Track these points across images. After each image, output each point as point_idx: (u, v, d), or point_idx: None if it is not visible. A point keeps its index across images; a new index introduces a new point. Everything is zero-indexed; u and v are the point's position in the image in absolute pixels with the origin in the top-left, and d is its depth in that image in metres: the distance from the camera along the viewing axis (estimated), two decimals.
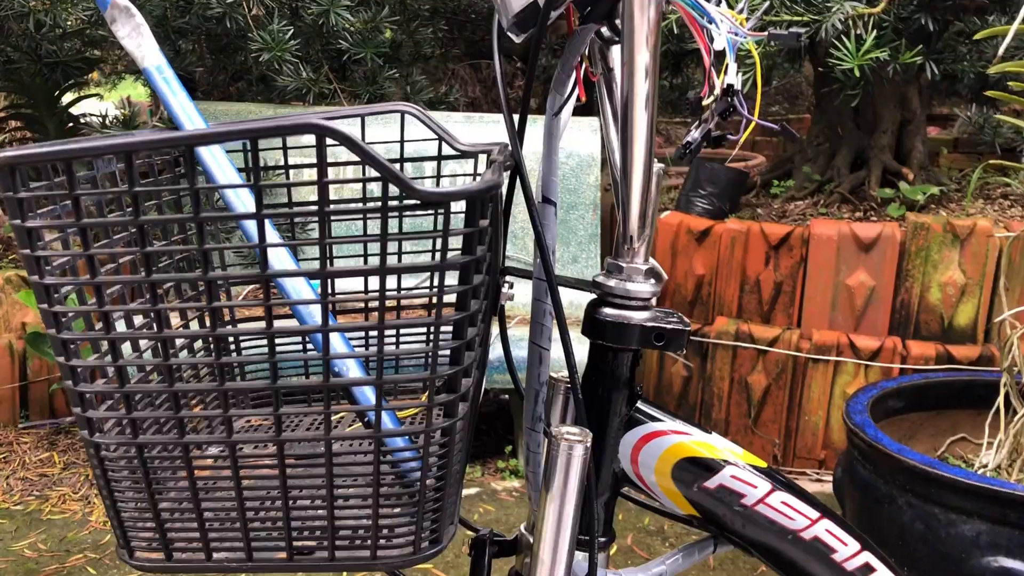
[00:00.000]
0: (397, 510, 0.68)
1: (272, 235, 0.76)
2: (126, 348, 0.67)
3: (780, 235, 2.44)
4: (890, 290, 2.38)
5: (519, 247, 2.85)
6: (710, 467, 0.76)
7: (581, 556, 0.77)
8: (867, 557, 0.78)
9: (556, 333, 0.71)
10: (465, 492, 2.45)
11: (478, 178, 0.70)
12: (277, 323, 0.56)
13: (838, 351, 2.36)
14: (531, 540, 0.80)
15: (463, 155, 0.86)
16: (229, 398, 0.59)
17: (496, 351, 2.62)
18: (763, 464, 0.78)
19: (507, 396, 3.13)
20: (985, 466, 1.71)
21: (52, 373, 2.81)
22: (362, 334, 0.87)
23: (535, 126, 0.93)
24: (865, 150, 2.84)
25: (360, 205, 0.89)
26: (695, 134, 0.64)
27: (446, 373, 0.60)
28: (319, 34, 2.84)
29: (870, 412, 1.71)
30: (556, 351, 0.71)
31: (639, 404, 0.77)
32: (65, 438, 2.73)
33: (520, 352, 2.41)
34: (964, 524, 1.43)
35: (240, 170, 0.77)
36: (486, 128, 2.91)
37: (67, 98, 3.52)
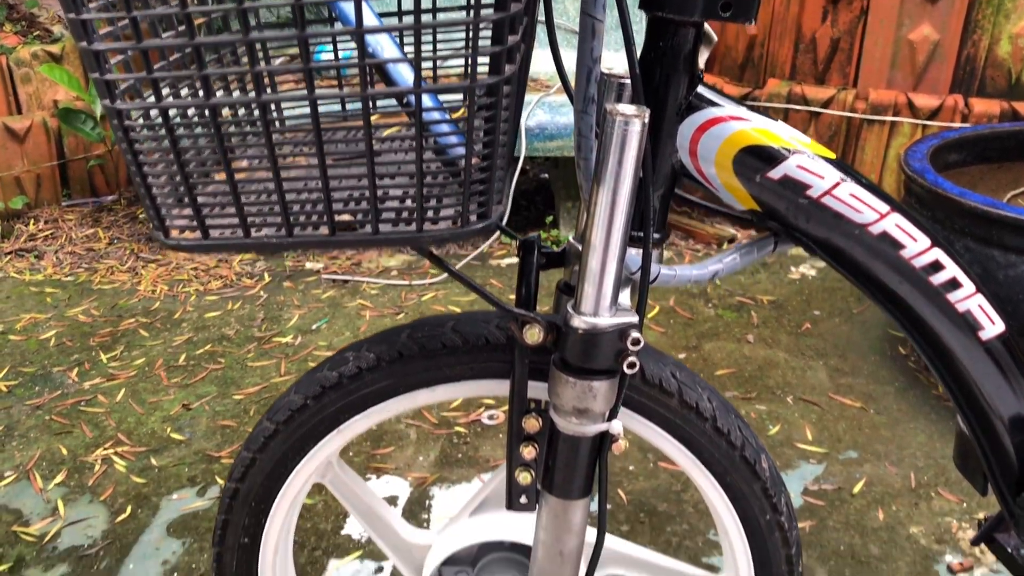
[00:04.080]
0: (443, 187, 0.65)
1: None
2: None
3: None
4: (955, 44, 2.23)
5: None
6: (774, 156, 0.71)
7: (634, 251, 0.74)
8: (937, 254, 0.73)
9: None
10: (506, 262, 2.45)
11: None
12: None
13: (895, 111, 2.25)
14: (579, 248, 0.76)
15: None
16: (256, 49, 0.54)
17: (534, 119, 2.50)
18: (832, 155, 0.72)
19: (547, 175, 3.08)
20: None
21: (89, 151, 2.80)
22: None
23: None
24: None
25: None
26: None
27: (492, 17, 0.54)
28: None
29: (930, 163, 1.63)
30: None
31: (699, 89, 0.71)
32: (108, 215, 2.75)
33: (562, 119, 2.33)
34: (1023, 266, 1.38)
35: None
36: None
37: None
